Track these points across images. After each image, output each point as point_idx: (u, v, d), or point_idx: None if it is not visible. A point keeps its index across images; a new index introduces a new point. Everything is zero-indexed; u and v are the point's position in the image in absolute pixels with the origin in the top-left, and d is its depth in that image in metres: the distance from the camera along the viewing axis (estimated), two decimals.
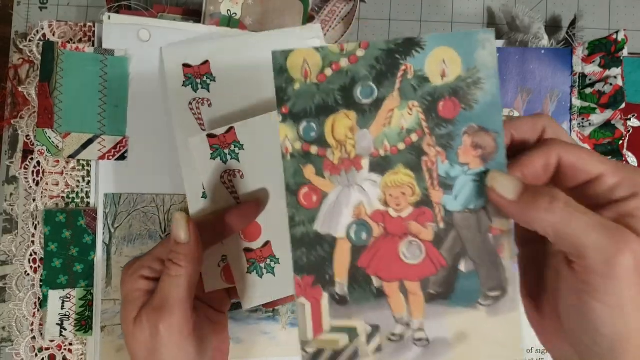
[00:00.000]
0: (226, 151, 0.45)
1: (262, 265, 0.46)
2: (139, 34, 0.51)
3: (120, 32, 0.51)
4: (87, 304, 0.52)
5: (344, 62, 0.32)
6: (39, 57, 0.51)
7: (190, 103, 0.49)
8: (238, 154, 0.45)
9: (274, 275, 0.47)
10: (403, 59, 0.31)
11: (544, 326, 0.33)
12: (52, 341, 0.52)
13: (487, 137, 0.31)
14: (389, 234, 0.32)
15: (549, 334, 0.32)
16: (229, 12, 0.53)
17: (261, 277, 0.46)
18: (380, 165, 0.32)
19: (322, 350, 0.32)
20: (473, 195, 0.32)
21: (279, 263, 0.47)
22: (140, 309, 0.40)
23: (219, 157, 0.45)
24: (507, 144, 0.32)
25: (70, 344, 0.52)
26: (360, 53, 0.31)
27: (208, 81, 0.50)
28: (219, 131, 0.45)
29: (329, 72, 0.32)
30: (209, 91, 0.50)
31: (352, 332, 0.33)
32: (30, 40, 0.53)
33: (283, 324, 0.54)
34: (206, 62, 0.50)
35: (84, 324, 0.52)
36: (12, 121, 0.54)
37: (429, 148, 0.32)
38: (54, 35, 0.53)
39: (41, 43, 0.51)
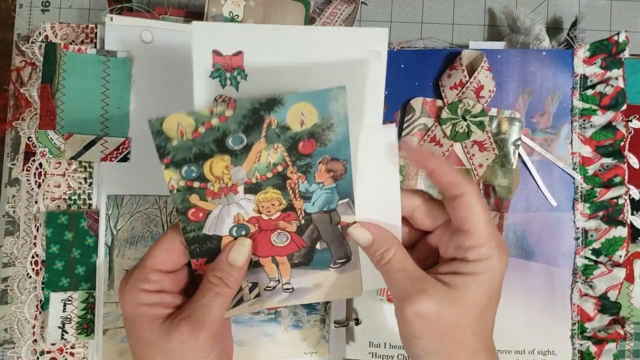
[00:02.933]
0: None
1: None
2: (141, 35, 0.51)
3: (122, 33, 0.51)
4: (89, 306, 0.52)
5: (214, 121, 0.37)
6: (41, 59, 0.51)
7: (215, 100, 0.42)
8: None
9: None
10: (267, 114, 0.37)
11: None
12: (53, 344, 0.52)
13: (337, 164, 0.40)
14: (263, 229, 0.42)
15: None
16: (230, 13, 0.53)
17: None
18: (253, 188, 0.40)
19: None
20: (326, 202, 0.42)
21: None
22: (167, 320, 0.40)
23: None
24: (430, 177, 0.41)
25: (72, 347, 0.52)
26: (228, 113, 0.37)
27: (239, 78, 0.42)
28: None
29: (202, 129, 0.37)
30: (237, 90, 0.42)
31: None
32: (32, 42, 0.53)
33: (285, 325, 0.54)
34: (239, 53, 0.42)
35: (86, 327, 0.52)
36: (14, 123, 0.54)
37: (292, 174, 0.40)
38: (56, 36, 0.53)
39: (43, 45, 0.51)
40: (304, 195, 0.42)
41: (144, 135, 0.52)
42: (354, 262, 0.45)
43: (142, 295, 0.41)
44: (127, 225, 0.52)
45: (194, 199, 0.40)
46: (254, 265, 0.44)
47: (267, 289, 0.46)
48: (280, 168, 0.40)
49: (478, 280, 0.39)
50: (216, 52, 0.41)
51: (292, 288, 0.46)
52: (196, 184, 0.39)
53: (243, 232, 0.43)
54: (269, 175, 0.40)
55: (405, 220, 0.44)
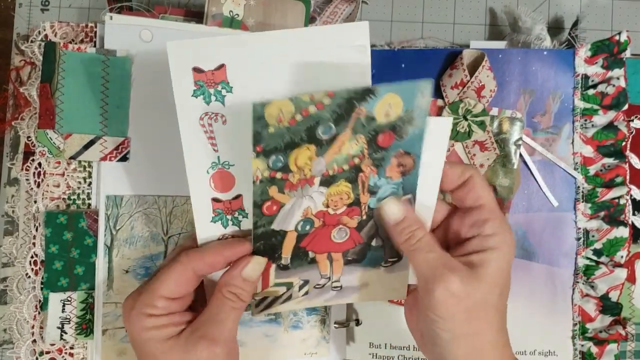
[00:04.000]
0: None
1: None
2: (140, 34, 0.51)
3: (122, 32, 0.51)
4: (89, 307, 0.52)
5: (312, 109, 0.37)
6: (41, 58, 0.51)
7: (201, 118, 0.41)
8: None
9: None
10: (359, 104, 0.38)
11: (413, 319, 0.45)
12: (52, 345, 0.52)
13: (408, 159, 0.41)
14: (326, 224, 0.43)
15: (413, 322, 0.45)
16: (231, 13, 0.53)
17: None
18: (328, 181, 0.41)
19: (266, 297, 0.46)
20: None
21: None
22: (181, 336, 0.41)
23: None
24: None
25: (72, 348, 0.52)
26: (326, 101, 0.37)
27: (223, 92, 0.41)
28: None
29: (299, 117, 0.37)
30: (224, 104, 0.41)
31: (288, 285, 0.46)
32: (32, 41, 0.53)
33: (285, 326, 0.54)
34: (222, 66, 0.40)
35: (85, 327, 0.52)
36: (13, 123, 0.54)
37: (365, 167, 0.41)
38: (55, 35, 0.53)
39: (42, 44, 0.51)
40: (372, 190, 0.42)
41: (143, 134, 0.52)
42: (404, 263, 0.46)
43: (150, 319, 0.41)
44: (126, 225, 0.51)
45: (273, 191, 0.40)
46: (309, 262, 0.45)
47: (317, 287, 0.46)
48: (357, 160, 0.41)
49: (498, 255, 0.40)
50: (196, 70, 0.40)
51: (341, 286, 0.47)
52: (279, 175, 0.40)
53: (308, 227, 0.43)
54: (345, 167, 0.41)
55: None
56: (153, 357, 0.40)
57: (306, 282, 0.46)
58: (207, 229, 0.43)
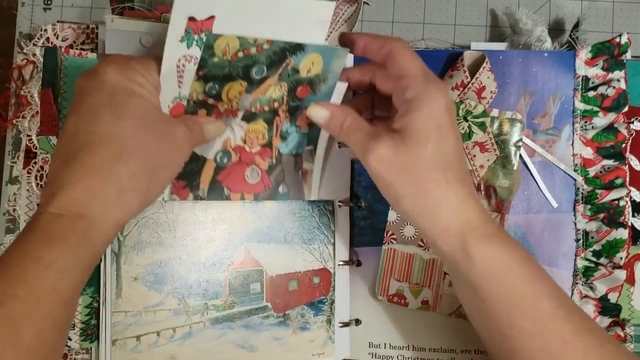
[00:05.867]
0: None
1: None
2: (141, 40, 0.51)
3: (122, 38, 0.50)
4: (93, 312, 0.51)
5: (253, 50, 0.43)
6: (42, 59, 0.51)
7: (178, 60, 0.43)
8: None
9: None
10: (290, 55, 0.45)
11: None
12: None
13: None
14: (242, 161, 0.49)
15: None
16: None
17: None
18: (249, 117, 0.47)
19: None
20: (296, 145, 0.50)
21: None
22: (162, 116, 0.41)
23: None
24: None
25: (77, 354, 0.52)
26: (266, 46, 0.43)
27: (205, 38, 0.43)
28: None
29: (240, 54, 0.43)
30: (201, 49, 0.43)
31: None
32: (34, 44, 0.53)
33: (294, 328, 0.54)
34: (211, 17, 0.42)
35: (90, 333, 0.51)
36: (14, 121, 0.54)
37: (282, 113, 0.48)
38: (57, 38, 0.53)
39: (43, 49, 0.51)
40: (283, 135, 0.49)
41: None
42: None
43: (142, 78, 0.40)
44: (134, 230, 0.50)
45: (202, 113, 0.46)
46: (224, 199, 0.49)
47: None
48: (276, 104, 0.47)
49: (421, 114, 0.41)
50: (191, 19, 0.42)
51: None
52: (210, 101, 0.45)
53: (225, 160, 0.48)
54: (266, 108, 0.47)
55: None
56: (130, 112, 0.38)
57: None
58: None
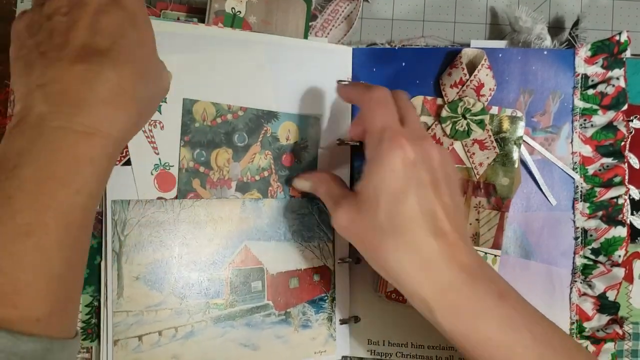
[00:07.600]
0: None
1: None
2: None
3: None
4: (94, 311, 0.50)
5: (229, 117, 0.48)
6: None
7: (142, 129, 0.48)
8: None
9: None
10: (265, 123, 0.49)
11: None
12: None
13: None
14: None
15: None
16: (233, 9, 0.53)
17: None
18: (243, 187, 0.50)
19: None
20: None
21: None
22: None
23: None
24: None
25: (77, 353, 0.51)
26: (240, 113, 0.48)
27: (182, 103, 0.48)
28: None
29: (219, 120, 0.47)
30: (160, 112, 0.48)
31: None
32: None
33: (295, 326, 0.54)
34: None
35: (91, 332, 0.50)
36: None
37: (273, 182, 0.51)
38: None
39: None
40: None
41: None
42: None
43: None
44: (135, 230, 0.50)
45: (196, 183, 0.48)
46: None
47: None
48: (266, 174, 0.50)
49: (374, 179, 0.40)
50: None
51: None
52: (202, 169, 0.48)
53: None
54: (257, 177, 0.50)
55: None
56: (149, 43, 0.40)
57: None
58: None
